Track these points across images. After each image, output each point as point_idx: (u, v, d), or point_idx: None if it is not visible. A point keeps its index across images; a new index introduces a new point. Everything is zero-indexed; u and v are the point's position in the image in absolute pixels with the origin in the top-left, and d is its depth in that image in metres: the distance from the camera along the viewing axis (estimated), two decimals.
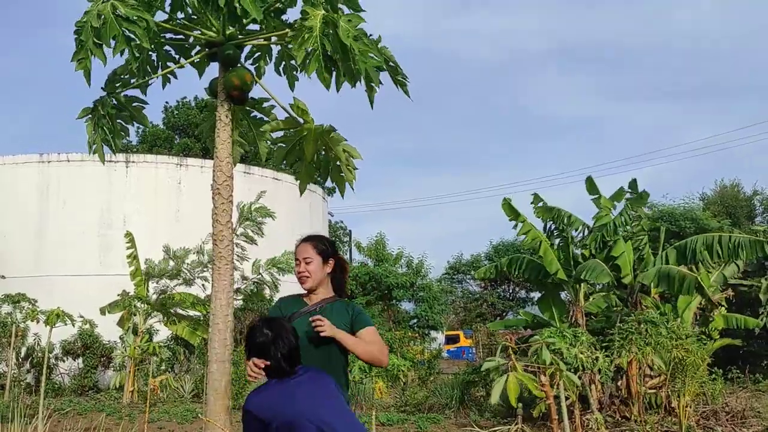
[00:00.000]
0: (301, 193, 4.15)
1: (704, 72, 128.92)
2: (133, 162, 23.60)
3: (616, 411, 11.42)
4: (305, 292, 3.98)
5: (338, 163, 3.88)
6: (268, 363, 3.28)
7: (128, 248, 17.36)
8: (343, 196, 4.19)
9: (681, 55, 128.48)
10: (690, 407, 10.36)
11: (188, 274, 12.43)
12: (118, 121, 3.88)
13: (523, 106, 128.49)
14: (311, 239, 4.08)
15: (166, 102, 41.03)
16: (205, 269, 13.22)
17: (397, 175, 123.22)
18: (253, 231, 11.65)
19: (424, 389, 15.88)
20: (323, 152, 3.87)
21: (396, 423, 12.04)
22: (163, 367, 18.60)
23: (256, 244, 15.34)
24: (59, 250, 22.19)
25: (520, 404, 11.05)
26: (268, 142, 4.10)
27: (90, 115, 3.78)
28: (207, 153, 32.86)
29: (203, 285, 10.40)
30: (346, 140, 3.73)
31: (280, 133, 3.87)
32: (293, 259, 4.04)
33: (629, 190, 13.33)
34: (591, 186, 13.40)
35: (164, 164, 23.91)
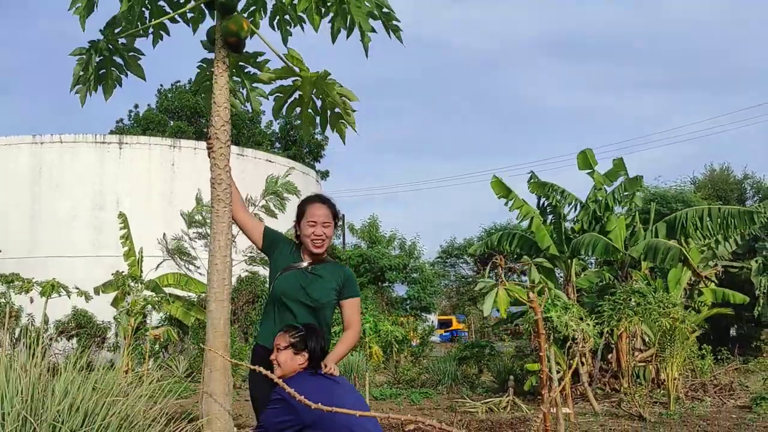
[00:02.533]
0: (305, 140, 4.21)
1: (693, 60, 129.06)
2: (126, 143, 23.57)
3: (606, 384, 11.58)
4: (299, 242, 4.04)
5: (336, 109, 3.94)
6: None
7: (121, 229, 17.38)
8: (344, 141, 4.24)
9: (670, 43, 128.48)
10: (679, 380, 10.50)
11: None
12: (112, 69, 3.91)
13: (516, 95, 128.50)
14: (328, 202, 4.06)
15: (161, 85, 40.95)
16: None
17: (391, 162, 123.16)
18: (275, 205, 11.70)
19: (417, 366, 16.03)
20: (320, 99, 3.94)
21: (389, 398, 12.16)
22: (156, 348, 18.67)
23: (276, 217, 15.35)
24: (52, 232, 22.20)
25: (512, 377, 11.21)
26: (262, 98, 4.14)
27: (83, 56, 3.79)
28: (200, 136, 32.83)
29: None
30: (341, 85, 3.79)
31: (276, 86, 3.93)
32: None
33: (618, 169, 13.41)
34: (584, 160, 13.41)
35: (158, 146, 23.88)
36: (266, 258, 4.02)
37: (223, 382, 3.42)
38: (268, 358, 3.64)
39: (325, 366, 3.59)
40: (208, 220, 12.53)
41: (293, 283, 3.87)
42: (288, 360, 3.60)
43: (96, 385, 3.01)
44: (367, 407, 3.78)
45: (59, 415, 2.78)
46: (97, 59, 3.83)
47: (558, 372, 9.19)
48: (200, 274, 15.55)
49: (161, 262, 15.75)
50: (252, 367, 3.42)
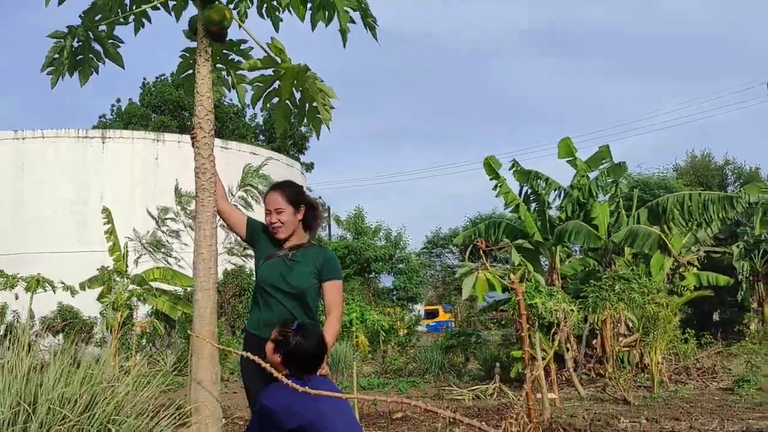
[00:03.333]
0: (279, 135, 4.23)
1: (679, 49, 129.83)
2: (109, 138, 23.43)
3: (591, 369, 11.69)
4: None
5: (314, 103, 3.96)
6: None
7: (105, 224, 17.30)
8: (318, 137, 4.23)
9: (655, 33, 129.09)
10: (662, 364, 10.64)
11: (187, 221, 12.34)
12: (90, 56, 3.89)
13: (498, 86, 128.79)
14: (280, 187, 4.05)
15: (144, 78, 40.70)
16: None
17: (375, 155, 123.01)
18: (252, 197, 11.68)
19: (404, 355, 16.10)
20: (299, 92, 3.96)
21: (376, 387, 12.23)
22: (144, 342, 18.65)
23: (252, 209, 15.33)
24: (37, 228, 22.06)
25: (498, 365, 11.30)
26: (246, 85, 4.15)
27: (60, 40, 3.76)
28: (184, 130, 32.68)
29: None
30: (322, 80, 3.81)
31: (257, 75, 3.95)
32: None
33: (603, 157, 13.49)
34: (565, 148, 13.47)
35: (141, 140, 23.76)
36: (248, 250, 4.07)
37: (211, 371, 3.45)
38: (258, 346, 3.69)
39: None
40: (186, 212, 12.48)
41: (274, 271, 3.92)
42: (269, 353, 3.62)
43: (86, 374, 3.04)
44: (350, 409, 3.77)
45: (52, 406, 2.81)
46: (76, 44, 3.81)
47: (544, 359, 9.28)
48: (179, 267, 15.46)
49: (138, 257, 15.69)
50: (240, 353, 3.47)
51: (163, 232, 13.00)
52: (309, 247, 4.08)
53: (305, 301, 3.96)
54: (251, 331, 3.92)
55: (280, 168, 26.24)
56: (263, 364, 2.78)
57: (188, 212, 11.68)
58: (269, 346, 3.61)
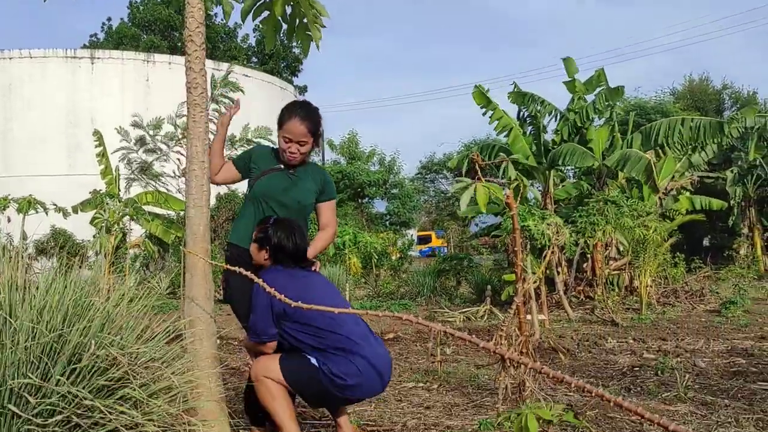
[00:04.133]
0: (268, 50, 4.12)
1: None
2: (99, 58, 22.99)
3: (581, 292, 11.85)
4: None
5: (305, 20, 3.86)
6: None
7: (97, 146, 17.15)
8: (306, 55, 4.12)
9: None
10: (651, 287, 10.78)
11: (163, 146, 12.10)
12: None
13: (497, 8, 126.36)
14: (309, 117, 3.87)
15: None
16: (180, 144, 12.86)
17: (373, 78, 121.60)
18: (225, 107, 11.41)
19: (396, 279, 16.26)
20: (290, 7, 3.85)
21: (369, 309, 12.37)
22: (137, 265, 18.76)
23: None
24: (27, 151, 21.88)
25: (489, 287, 11.44)
26: (234, 2, 4.01)
27: None
28: (175, 50, 32.08)
29: (178, 160, 10.22)
30: None
31: None
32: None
33: (598, 80, 13.35)
34: (568, 67, 13.31)
35: (131, 60, 23.33)
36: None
37: (204, 287, 3.47)
38: (241, 259, 3.73)
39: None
40: (162, 138, 12.21)
41: (276, 185, 3.89)
42: (254, 253, 3.70)
43: (78, 290, 3.05)
44: (342, 298, 3.90)
45: (39, 315, 2.82)
46: None
47: (535, 283, 9.39)
48: (167, 191, 15.22)
49: (128, 185, 15.55)
50: (226, 266, 3.50)
51: (148, 150, 12.71)
52: (307, 164, 4.06)
53: (304, 216, 4.00)
54: (235, 242, 3.92)
55: (274, 90, 25.92)
56: (247, 274, 2.80)
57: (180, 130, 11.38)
58: (253, 247, 3.69)
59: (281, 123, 3.89)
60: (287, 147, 3.86)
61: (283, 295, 2.66)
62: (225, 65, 25.05)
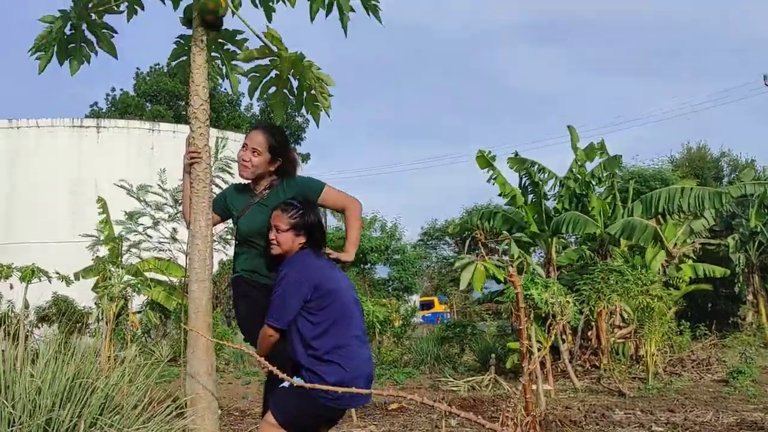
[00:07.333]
0: (278, 122, 4.16)
1: (670, 43, 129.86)
2: (104, 127, 23.34)
3: (586, 361, 11.70)
4: (248, 181, 3.99)
5: (312, 91, 3.92)
6: None
7: (100, 213, 17.23)
8: (318, 125, 4.14)
9: (648, 27, 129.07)
10: (657, 356, 10.66)
11: (156, 213, 11.97)
12: (81, 44, 3.83)
13: (496, 79, 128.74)
14: (267, 131, 3.92)
15: (137, 68, 40.52)
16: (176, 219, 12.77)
17: (372, 145, 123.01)
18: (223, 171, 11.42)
19: (399, 346, 16.08)
20: (297, 80, 3.91)
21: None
22: (139, 333, 18.59)
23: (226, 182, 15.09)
24: (31, 217, 21.99)
25: (493, 356, 11.31)
26: (240, 76, 4.10)
27: (51, 24, 3.69)
28: (179, 119, 32.55)
29: (174, 229, 10.13)
30: (319, 68, 3.77)
31: (253, 65, 3.90)
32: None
33: (599, 150, 13.48)
34: (575, 135, 13.52)
35: (136, 129, 23.68)
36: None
37: (206, 362, 3.43)
38: (250, 293, 3.71)
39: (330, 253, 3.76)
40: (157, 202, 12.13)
41: (253, 222, 3.84)
42: (288, 241, 3.64)
43: (77, 365, 3.01)
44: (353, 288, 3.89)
45: (34, 396, 2.77)
46: (68, 32, 3.75)
47: (539, 350, 9.29)
48: (170, 258, 15.14)
49: (128, 249, 15.48)
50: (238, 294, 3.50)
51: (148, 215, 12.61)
52: (275, 186, 3.98)
53: None
54: (244, 275, 3.86)
55: None
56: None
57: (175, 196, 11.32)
58: (288, 236, 3.63)
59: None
60: (241, 153, 3.89)
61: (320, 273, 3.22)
62: (230, 134, 25.50)
